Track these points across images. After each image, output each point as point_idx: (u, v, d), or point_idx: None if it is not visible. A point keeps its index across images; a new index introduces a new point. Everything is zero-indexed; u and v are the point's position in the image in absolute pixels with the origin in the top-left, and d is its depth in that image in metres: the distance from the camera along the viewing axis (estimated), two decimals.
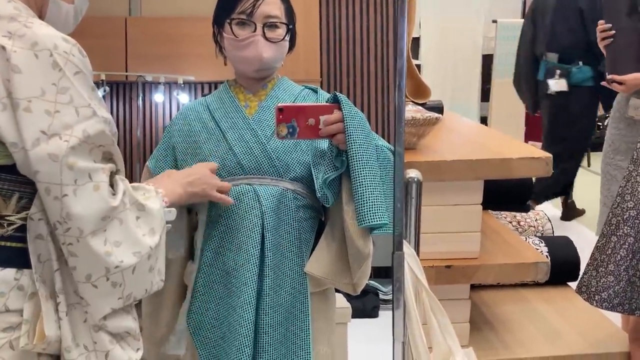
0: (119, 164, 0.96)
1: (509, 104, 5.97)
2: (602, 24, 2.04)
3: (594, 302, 1.33)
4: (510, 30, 5.78)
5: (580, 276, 1.40)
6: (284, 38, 1.31)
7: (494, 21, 5.86)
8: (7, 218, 0.90)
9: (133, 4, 3.03)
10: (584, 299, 1.37)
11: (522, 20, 6.10)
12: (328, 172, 1.20)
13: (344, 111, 1.15)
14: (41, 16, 0.99)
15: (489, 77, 5.98)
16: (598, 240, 1.36)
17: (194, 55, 2.92)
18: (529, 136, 6.13)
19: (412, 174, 1.10)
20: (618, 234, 1.29)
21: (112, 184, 0.93)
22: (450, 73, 6.04)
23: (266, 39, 1.28)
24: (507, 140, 1.60)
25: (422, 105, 1.82)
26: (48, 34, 0.89)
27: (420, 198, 1.11)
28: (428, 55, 6.00)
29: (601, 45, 2.08)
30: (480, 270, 1.41)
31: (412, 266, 1.08)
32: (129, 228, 0.94)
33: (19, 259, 0.90)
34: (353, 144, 1.14)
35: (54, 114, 0.87)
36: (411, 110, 1.54)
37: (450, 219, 1.40)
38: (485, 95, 6.10)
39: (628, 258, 1.28)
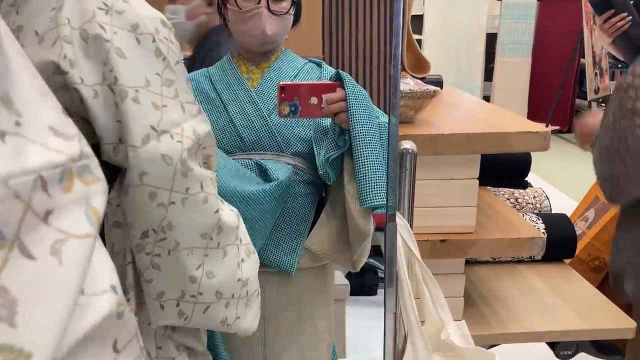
0: (214, 169, 0.86)
1: (512, 84, 5.94)
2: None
3: None
4: (515, 9, 5.73)
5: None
6: (288, 11, 1.28)
7: None
8: None
9: None
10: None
11: None
12: (330, 150, 1.19)
13: (346, 90, 1.14)
14: None
15: (492, 56, 5.94)
16: None
17: None
18: (531, 116, 6.10)
19: (407, 145, 1.09)
20: None
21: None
22: (453, 52, 6.00)
23: (270, 11, 1.26)
24: (506, 115, 1.58)
25: (422, 79, 1.80)
26: (150, 15, 0.78)
27: (414, 170, 1.10)
28: (431, 33, 5.95)
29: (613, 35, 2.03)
30: (476, 245, 1.40)
31: (405, 238, 1.08)
32: (230, 266, 0.84)
33: None
34: (356, 124, 1.14)
35: (161, 108, 0.76)
36: (410, 84, 1.52)
37: (446, 193, 1.40)
38: (488, 75, 6.06)
39: None
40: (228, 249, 0.84)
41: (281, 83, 1.14)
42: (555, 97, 5.94)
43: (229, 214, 0.85)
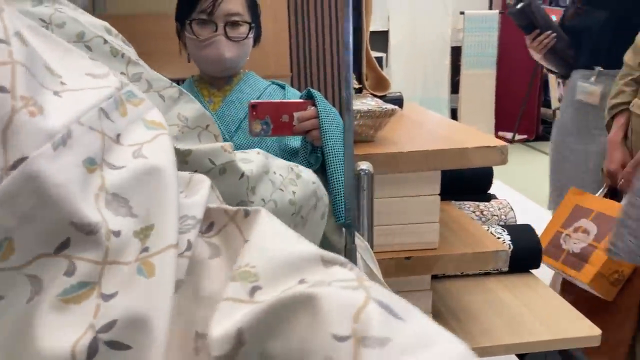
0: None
1: (479, 95, 6.03)
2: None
3: None
4: (478, 22, 5.84)
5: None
6: (247, 36, 1.28)
7: (462, 13, 5.90)
8: None
9: (97, 1, 2.97)
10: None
11: (489, 11, 6.16)
12: None
13: (318, 107, 1.15)
14: None
15: (458, 68, 6.03)
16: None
17: (159, 52, 2.87)
18: (498, 127, 6.19)
19: (363, 165, 1.09)
20: None
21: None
22: (420, 66, 6.07)
23: (228, 38, 1.25)
24: (466, 131, 1.60)
25: (382, 97, 1.82)
26: (92, 22, 0.73)
27: (372, 190, 1.11)
28: (397, 49, 6.02)
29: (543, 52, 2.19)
30: (441, 261, 1.41)
31: (365, 259, 1.08)
32: (285, 207, 0.82)
33: None
34: (328, 140, 1.14)
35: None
36: (370, 103, 1.53)
37: (409, 211, 1.40)
38: (455, 87, 6.14)
39: None
40: (275, 197, 0.81)
41: (252, 101, 1.14)
42: (521, 107, 6.04)
43: (256, 164, 0.79)
